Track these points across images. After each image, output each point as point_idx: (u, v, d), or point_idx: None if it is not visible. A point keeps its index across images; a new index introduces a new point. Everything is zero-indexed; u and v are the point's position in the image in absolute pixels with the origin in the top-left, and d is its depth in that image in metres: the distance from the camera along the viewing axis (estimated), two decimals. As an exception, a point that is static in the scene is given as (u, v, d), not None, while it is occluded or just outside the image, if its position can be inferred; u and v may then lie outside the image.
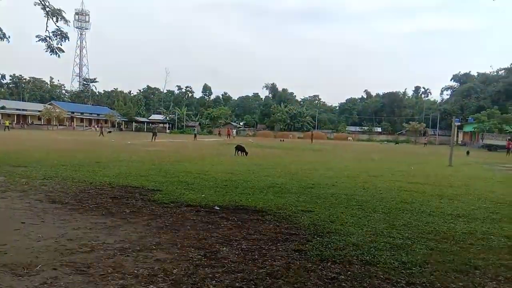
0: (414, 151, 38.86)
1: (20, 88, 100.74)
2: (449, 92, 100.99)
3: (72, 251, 4.49)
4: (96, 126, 75.38)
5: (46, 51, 13.55)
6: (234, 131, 68.88)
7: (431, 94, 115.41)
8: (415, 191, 10.32)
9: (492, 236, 5.85)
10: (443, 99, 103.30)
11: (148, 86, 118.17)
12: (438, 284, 3.86)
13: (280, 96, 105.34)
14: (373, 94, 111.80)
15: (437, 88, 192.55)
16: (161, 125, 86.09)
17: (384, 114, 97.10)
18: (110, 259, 4.28)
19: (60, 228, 5.45)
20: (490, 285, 3.92)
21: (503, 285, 3.93)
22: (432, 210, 7.79)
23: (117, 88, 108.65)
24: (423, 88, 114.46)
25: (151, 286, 3.59)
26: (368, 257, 4.58)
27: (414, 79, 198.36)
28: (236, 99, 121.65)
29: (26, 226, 5.50)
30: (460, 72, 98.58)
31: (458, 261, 4.57)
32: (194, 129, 55.83)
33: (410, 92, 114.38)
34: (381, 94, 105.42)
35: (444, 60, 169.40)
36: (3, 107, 68.49)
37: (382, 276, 4.03)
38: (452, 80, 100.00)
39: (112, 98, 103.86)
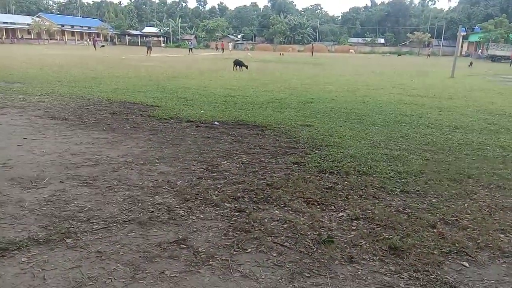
0: (417, 63, 38.07)
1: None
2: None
3: (77, 165, 4.60)
4: (88, 40, 72.64)
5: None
6: (231, 44, 66.20)
7: (438, 1, 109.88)
8: (415, 104, 10.32)
9: (487, 147, 5.97)
10: (450, 7, 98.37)
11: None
12: (432, 192, 4.03)
13: (279, 6, 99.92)
14: (378, 2, 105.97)
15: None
16: (155, 38, 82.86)
17: (389, 24, 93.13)
18: (114, 172, 4.40)
19: (63, 143, 5.53)
20: (481, 192, 4.09)
21: (494, 192, 4.10)
22: (431, 122, 7.86)
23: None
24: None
25: (157, 196, 3.75)
26: (364, 168, 4.72)
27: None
28: (233, 9, 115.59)
29: (28, 141, 5.56)
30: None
31: (453, 171, 4.72)
32: (190, 42, 53.36)
33: (417, 0, 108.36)
34: (386, 2, 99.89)
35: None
36: (-11, 21, 65.33)
37: (377, 185, 4.18)
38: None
39: (102, 10, 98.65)
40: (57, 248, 2.75)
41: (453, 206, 3.70)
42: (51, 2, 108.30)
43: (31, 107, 8.06)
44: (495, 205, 3.76)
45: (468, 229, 3.23)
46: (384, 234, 3.09)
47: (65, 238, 2.88)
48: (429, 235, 3.10)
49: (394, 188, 4.10)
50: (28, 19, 74.57)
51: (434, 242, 2.98)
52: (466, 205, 3.73)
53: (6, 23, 72.38)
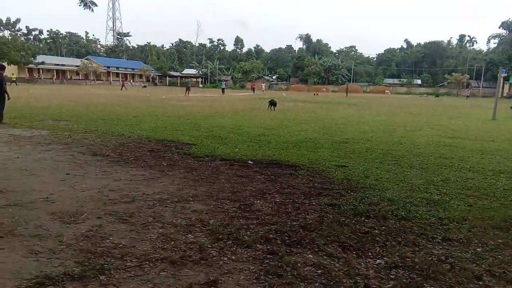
0: (456, 104, 37.14)
1: (57, 43, 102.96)
2: (496, 40, 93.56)
3: (114, 201, 4.72)
4: (128, 81, 76.42)
5: (79, 5, 13.61)
6: (264, 85, 67.54)
7: (476, 43, 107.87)
8: (455, 146, 9.97)
9: (536, 194, 5.60)
10: (489, 48, 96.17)
11: (180, 39, 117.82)
12: (476, 241, 3.79)
13: (314, 48, 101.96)
14: (414, 44, 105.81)
15: (484, 37, 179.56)
16: (194, 79, 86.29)
17: (425, 65, 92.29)
18: (150, 209, 4.48)
19: (102, 179, 5.72)
20: (531, 243, 3.80)
21: (546, 244, 3.80)
22: (472, 165, 7.52)
23: (150, 42, 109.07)
24: (468, 36, 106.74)
25: (189, 235, 3.75)
26: (403, 213, 4.54)
27: (459, 28, 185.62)
28: (269, 51, 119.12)
29: (71, 177, 5.80)
30: (510, 19, 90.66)
31: (498, 218, 4.44)
32: (222, 83, 54.82)
33: (454, 42, 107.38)
34: (423, 43, 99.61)
35: (493, 6, 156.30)
36: (42, 63, 70.55)
37: (417, 231, 3.99)
38: (501, 28, 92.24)
39: (145, 53, 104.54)
40: (91, 285, 2.78)
41: (499, 256, 3.45)
42: (99, 46, 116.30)
43: (75, 144, 8.47)
44: (548, 257, 3.47)
45: (519, 284, 2.99)
46: (425, 285, 2.91)
47: (99, 275, 2.91)
48: (474, 287, 2.89)
49: (435, 235, 3.89)
50: (77, 61, 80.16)
51: (481, 297, 2.76)
52: (515, 256, 3.47)
53: (57, 65, 78.05)
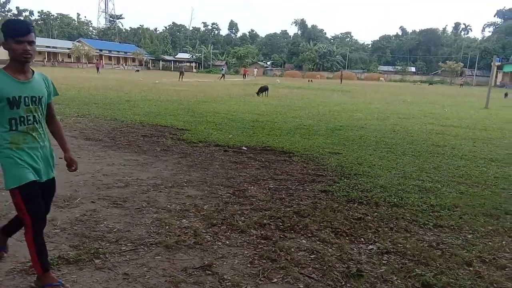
0: (449, 93, 37.30)
1: (48, 25, 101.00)
2: (491, 29, 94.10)
3: (108, 185, 4.71)
4: (124, 65, 75.46)
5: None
6: (256, 70, 67.10)
7: (471, 31, 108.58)
8: (448, 134, 10.05)
9: (526, 182, 5.69)
10: (484, 37, 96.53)
11: (173, 23, 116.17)
12: (467, 228, 3.85)
13: (309, 34, 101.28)
14: (409, 31, 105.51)
15: (479, 25, 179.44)
16: (187, 64, 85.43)
17: (420, 53, 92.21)
18: (144, 194, 4.48)
19: (96, 164, 5.70)
20: (520, 230, 3.88)
21: (534, 231, 3.88)
22: (464, 153, 7.61)
23: (143, 25, 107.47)
24: (464, 24, 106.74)
25: (184, 220, 3.76)
26: (395, 199, 4.59)
27: (454, 15, 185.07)
28: (264, 37, 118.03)
29: (63, 161, 5.75)
30: (505, 7, 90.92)
31: (489, 205, 4.51)
32: (223, 68, 54.47)
33: (449, 29, 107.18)
34: (418, 31, 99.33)
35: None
36: (33, 44, 69.31)
37: (409, 218, 4.05)
38: (496, 16, 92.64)
39: (138, 36, 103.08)
40: (86, 268, 2.79)
41: (490, 243, 3.52)
42: (91, 28, 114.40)
43: (67, 128, 8.39)
44: (536, 244, 3.55)
45: (507, 269, 3.06)
46: (416, 270, 2.96)
47: (94, 259, 2.92)
48: (465, 273, 2.95)
49: (427, 222, 3.95)
50: (69, 44, 78.74)
51: (470, 281, 2.82)
52: (504, 242, 3.54)
53: (49, 47, 76.66)
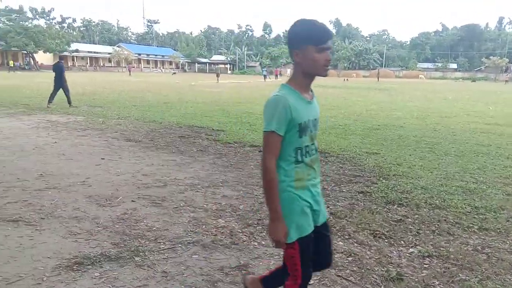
0: (494, 90, 35.51)
1: (90, 31, 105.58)
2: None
3: (147, 185, 4.85)
4: (162, 68, 77.49)
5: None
6: (289, 70, 66.91)
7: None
8: (493, 133, 9.56)
9: None
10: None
11: (208, 26, 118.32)
12: (515, 232, 3.64)
13: (344, 32, 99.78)
14: (450, 27, 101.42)
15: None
16: (222, 65, 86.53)
17: (461, 49, 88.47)
18: (181, 193, 4.57)
19: (136, 164, 5.88)
20: None
21: None
22: (511, 153, 7.20)
23: (179, 29, 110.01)
24: (508, 18, 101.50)
25: (220, 219, 3.80)
26: (437, 201, 4.41)
27: (497, 10, 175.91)
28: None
29: (106, 161, 5.99)
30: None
31: (540, 209, 4.24)
32: (263, 70, 54.33)
33: (492, 24, 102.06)
34: (459, 27, 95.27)
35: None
36: (76, 50, 72.60)
37: (452, 220, 3.88)
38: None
39: (175, 40, 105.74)
40: (127, 266, 2.88)
41: (542, 248, 3.31)
42: (130, 33, 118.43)
43: (109, 130, 8.72)
44: None
45: (562, 277, 2.86)
46: (460, 275, 2.83)
47: (134, 256, 3.01)
48: (514, 280, 2.79)
49: (471, 225, 3.77)
50: (109, 49, 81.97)
51: (520, 289, 2.66)
52: (558, 248, 3.32)
53: (90, 52, 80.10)
